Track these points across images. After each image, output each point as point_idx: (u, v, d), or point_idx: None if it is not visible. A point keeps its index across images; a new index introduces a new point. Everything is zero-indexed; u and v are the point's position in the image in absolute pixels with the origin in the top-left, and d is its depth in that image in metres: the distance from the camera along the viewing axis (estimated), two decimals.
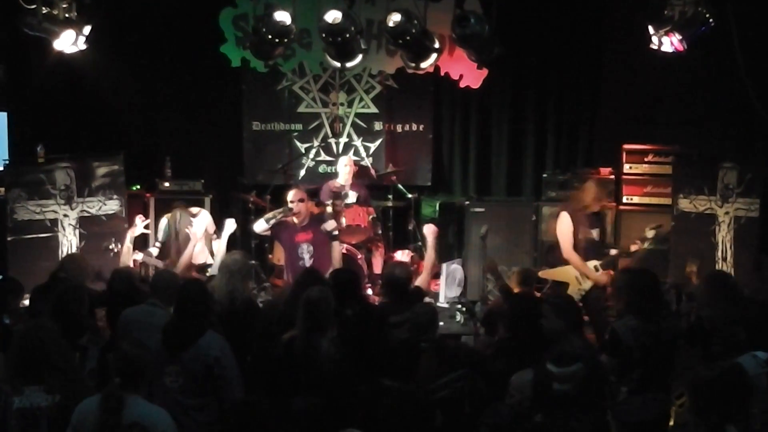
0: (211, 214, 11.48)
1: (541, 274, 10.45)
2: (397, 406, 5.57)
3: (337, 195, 11.84)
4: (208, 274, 10.03)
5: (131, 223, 10.63)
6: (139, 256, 10.27)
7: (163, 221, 10.79)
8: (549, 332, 7.01)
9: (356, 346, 6.75)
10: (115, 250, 10.17)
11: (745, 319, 6.58)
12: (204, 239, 10.67)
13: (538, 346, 6.67)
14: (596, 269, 10.10)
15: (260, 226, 10.35)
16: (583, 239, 10.18)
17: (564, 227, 10.23)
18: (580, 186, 10.66)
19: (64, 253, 10.79)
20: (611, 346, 7.24)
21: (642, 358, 7.09)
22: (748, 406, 6.06)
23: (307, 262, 10.28)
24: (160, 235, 10.72)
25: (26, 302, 8.24)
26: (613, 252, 10.35)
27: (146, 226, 10.48)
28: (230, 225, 10.54)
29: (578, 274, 10.05)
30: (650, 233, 10.30)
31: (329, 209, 11.27)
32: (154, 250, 10.52)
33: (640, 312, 7.27)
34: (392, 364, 6.69)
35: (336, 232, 10.35)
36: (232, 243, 10.80)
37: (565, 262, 10.15)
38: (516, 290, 9.11)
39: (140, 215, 10.65)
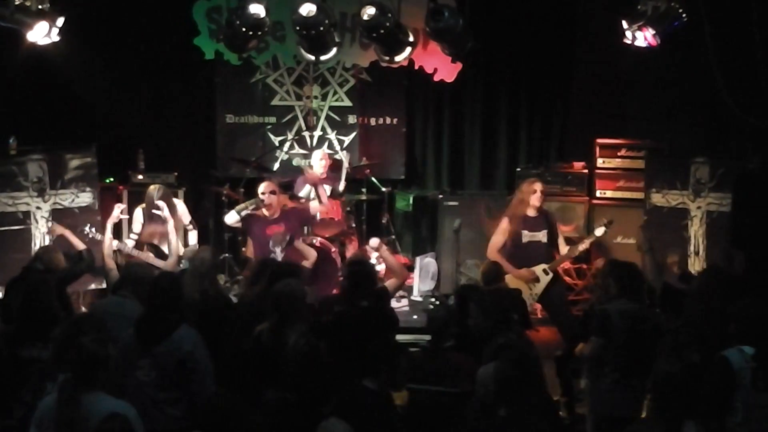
0: (185, 205, 11.43)
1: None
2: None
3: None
4: (180, 267, 9.99)
5: (105, 215, 10.60)
6: (115, 243, 10.24)
7: (138, 211, 10.77)
8: (476, 330, 7.14)
9: (362, 340, 6.78)
10: (90, 235, 10.08)
11: (737, 312, 6.60)
12: (177, 230, 10.63)
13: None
14: (545, 272, 10.14)
15: (231, 217, 10.34)
16: (527, 243, 10.24)
17: (496, 231, 10.40)
18: (521, 184, 10.72)
19: (37, 246, 10.72)
20: (599, 327, 7.28)
21: (628, 341, 7.14)
22: (731, 399, 6.13)
23: (279, 255, 10.28)
24: (135, 225, 10.68)
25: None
26: (563, 253, 10.38)
27: (122, 212, 10.42)
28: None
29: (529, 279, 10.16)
30: (599, 231, 10.34)
31: (312, 195, 11.32)
32: (129, 242, 10.47)
33: (630, 297, 7.35)
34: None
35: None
36: (206, 236, 10.78)
37: (548, 257, 10.24)
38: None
39: (119, 203, 10.61)
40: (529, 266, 10.16)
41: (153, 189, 10.62)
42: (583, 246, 10.35)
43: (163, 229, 10.21)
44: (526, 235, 10.26)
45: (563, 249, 10.40)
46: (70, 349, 5.57)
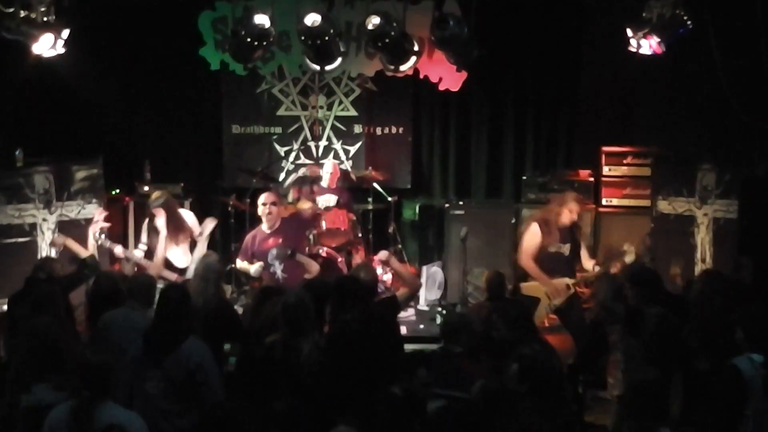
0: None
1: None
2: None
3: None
4: (185, 277, 9.98)
5: (111, 227, 10.61)
6: (119, 249, 10.22)
7: (147, 221, 10.76)
8: (502, 342, 7.11)
9: (352, 350, 6.77)
10: (99, 242, 10.08)
11: (745, 319, 6.57)
12: (188, 241, 10.61)
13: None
14: (568, 287, 10.11)
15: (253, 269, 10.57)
16: (552, 253, 10.22)
17: (528, 236, 10.33)
18: (558, 196, 10.68)
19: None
20: (633, 327, 7.23)
21: (656, 344, 7.09)
22: (742, 408, 6.11)
23: (277, 268, 10.32)
24: (144, 235, 10.65)
25: (4, 307, 8.24)
26: (594, 270, 10.26)
27: (105, 218, 10.39)
28: (209, 224, 10.53)
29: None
30: (629, 257, 10.14)
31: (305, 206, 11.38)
32: (138, 252, 10.43)
33: (658, 301, 7.34)
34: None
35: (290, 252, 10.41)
36: (212, 246, 10.77)
37: (570, 270, 10.24)
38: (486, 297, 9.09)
39: (100, 209, 10.58)
40: (551, 277, 10.15)
41: (153, 196, 10.57)
42: (614, 269, 10.16)
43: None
44: (554, 246, 10.24)
45: (587, 263, 10.37)
46: (78, 367, 5.64)
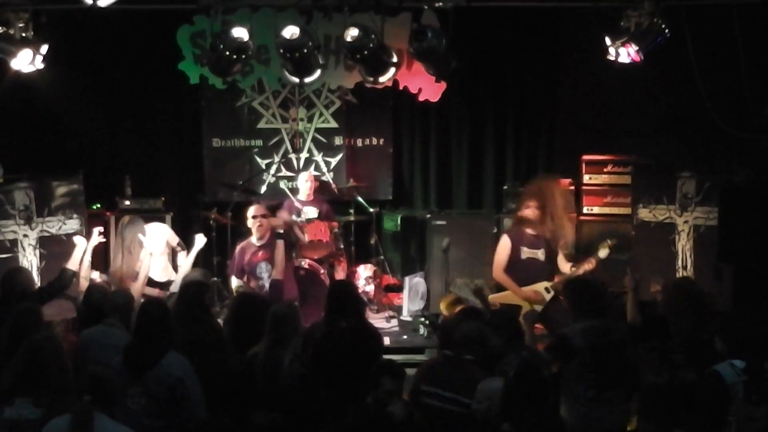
0: (173, 231, 11.38)
1: (492, 298, 10.45)
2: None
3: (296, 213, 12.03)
4: (169, 292, 9.96)
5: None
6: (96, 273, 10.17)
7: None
8: (495, 349, 7.11)
9: (340, 362, 6.79)
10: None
11: (726, 329, 6.61)
12: (166, 255, 10.63)
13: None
14: (547, 290, 10.17)
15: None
16: (525, 260, 10.29)
17: (499, 248, 10.51)
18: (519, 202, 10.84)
19: None
20: (561, 353, 7.26)
21: (594, 358, 7.12)
22: (725, 414, 6.14)
23: (266, 281, 10.34)
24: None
25: None
26: (568, 272, 10.32)
27: (100, 234, 10.34)
28: (200, 240, 10.52)
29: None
30: (603, 252, 10.29)
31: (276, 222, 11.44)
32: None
33: (586, 315, 7.33)
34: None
35: (281, 231, 10.46)
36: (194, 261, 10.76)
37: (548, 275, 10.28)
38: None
39: (98, 227, 10.53)
40: (528, 284, 10.20)
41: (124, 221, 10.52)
42: (587, 266, 10.28)
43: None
44: (525, 252, 10.31)
45: (564, 267, 10.41)
46: (82, 376, 5.68)
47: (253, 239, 10.99)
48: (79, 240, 9.84)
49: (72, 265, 9.49)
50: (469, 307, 8.57)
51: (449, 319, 8.33)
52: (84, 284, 9.37)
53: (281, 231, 10.55)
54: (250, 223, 11.00)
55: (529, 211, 10.44)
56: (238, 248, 11.15)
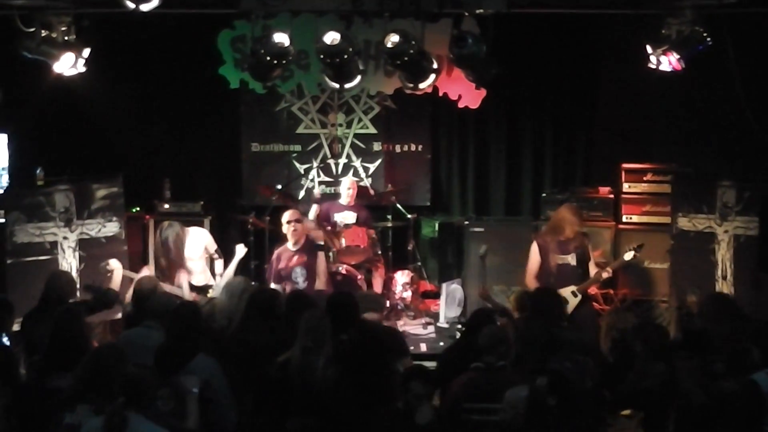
0: (211, 235, 11.44)
1: None
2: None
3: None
4: (209, 295, 10.01)
5: (131, 245, 10.67)
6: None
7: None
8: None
9: (351, 370, 6.78)
10: (108, 268, 10.05)
11: (759, 337, 6.60)
12: (204, 259, 10.70)
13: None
14: (574, 294, 10.14)
15: None
16: (555, 266, 10.29)
17: (530, 256, 10.52)
18: (554, 213, 10.83)
19: None
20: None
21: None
22: (762, 423, 6.12)
23: (301, 285, 10.38)
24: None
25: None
26: (593, 275, 10.37)
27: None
28: (240, 251, 10.62)
29: None
30: (628, 255, 10.31)
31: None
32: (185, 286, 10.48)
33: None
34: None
35: (321, 242, 10.51)
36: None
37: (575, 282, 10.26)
38: (516, 315, 9.08)
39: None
40: (558, 289, 10.17)
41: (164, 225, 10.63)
42: (610, 269, 10.31)
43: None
44: (555, 258, 10.30)
45: (593, 270, 10.41)
46: (115, 378, 5.71)
47: (289, 245, 11.06)
48: (115, 264, 9.91)
49: (115, 286, 9.57)
50: (482, 309, 8.61)
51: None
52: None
53: (321, 243, 10.60)
54: (285, 228, 11.07)
55: (568, 229, 10.42)
56: (274, 254, 11.22)
